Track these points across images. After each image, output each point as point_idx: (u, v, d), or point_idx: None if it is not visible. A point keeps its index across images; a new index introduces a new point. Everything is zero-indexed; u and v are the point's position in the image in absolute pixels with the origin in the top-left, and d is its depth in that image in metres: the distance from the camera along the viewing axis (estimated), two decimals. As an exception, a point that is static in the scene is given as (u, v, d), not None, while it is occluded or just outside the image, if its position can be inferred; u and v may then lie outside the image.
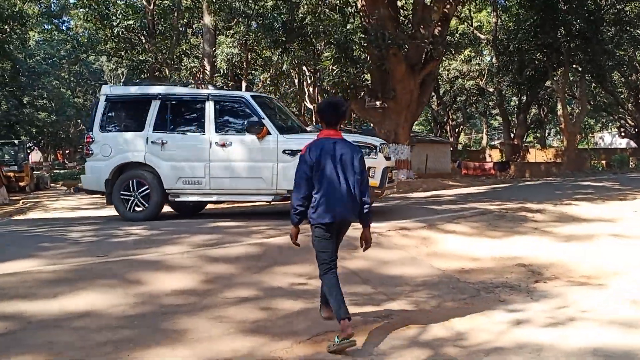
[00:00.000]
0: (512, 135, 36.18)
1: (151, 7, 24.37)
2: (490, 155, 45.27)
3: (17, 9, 24.38)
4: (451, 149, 38.32)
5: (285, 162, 8.56)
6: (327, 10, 18.20)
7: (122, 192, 8.82)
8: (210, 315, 4.31)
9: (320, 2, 17.26)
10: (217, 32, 21.35)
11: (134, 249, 5.98)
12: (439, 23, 17.35)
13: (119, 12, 23.66)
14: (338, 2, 18.08)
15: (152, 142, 8.86)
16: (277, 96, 25.04)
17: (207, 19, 20.90)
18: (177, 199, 9.01)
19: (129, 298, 4.51)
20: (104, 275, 4.93)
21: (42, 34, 42.59)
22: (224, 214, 10.46)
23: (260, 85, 22.32)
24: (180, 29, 26.00)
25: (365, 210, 4.15)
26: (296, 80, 32.44)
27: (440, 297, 5.05)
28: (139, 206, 8.86)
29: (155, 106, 9.06)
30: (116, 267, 5.20)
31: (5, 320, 3.98)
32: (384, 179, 8.63)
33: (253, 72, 24.67)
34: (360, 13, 17.19)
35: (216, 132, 8.86)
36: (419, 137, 28.65)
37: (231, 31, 19.66)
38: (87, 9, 24.34)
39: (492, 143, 54.66)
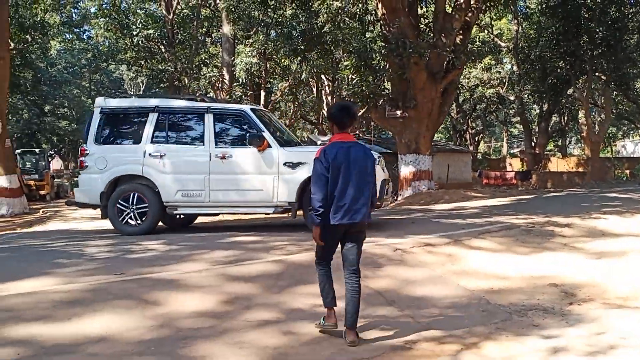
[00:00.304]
0: (533, 144, 35.65)
1: (171, 16, 24.45)
2: (510, 164, 44.65)
3: (38, 19, 24.57)
4: (471, 158, 37.87)
5: (286, 174, 8.71)
6: (346, 19, 18.02)
7: (118, 206, 8.75)
8: (230, 341, 4.13)
9: (339, 11, 17.10)
10: (236, 42, 21.31)
11: (151, 266, 5.83)
12: (461, 31, 17.07)
13: (138, 21, 23.80)
14: (358, 10, 17.90)
15: (149, 154, 8.83)
16: (295, 105, 24.95)
17: (226, 28, 20.89)
18: (175, 212, 8.98)
19: (146, 321, 4.35)
20: (120, 295, 4.78)
21: (63, 43, 43.01)
22: (229, 227, 10.29)
23: (278, 94, 22.21)
24: (200, 38, 26.05)
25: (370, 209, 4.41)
26: (314, 89, 32.36)
27: (470, 321, 4.81)
28: (135, 219, 8.80)
29: (152, 119, 9.03)
30: (133, 286, 5.05)
31: (19, 345, 3.84)
32: (383, 191, 8.83)
33: (271, 80, 24.58)
34: (380, 21, 16.98)
35: (216, 144, 8.90)
36: (439, 146, 28.31)
37: (250, 40, 19.59)
38: (107, 19, 24.49)
39: (512, 151, 54.01)
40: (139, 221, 8.79)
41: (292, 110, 24.35)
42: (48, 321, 4.17)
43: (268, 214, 9.22)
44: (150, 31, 23.45)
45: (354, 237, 4.37)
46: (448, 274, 6.26)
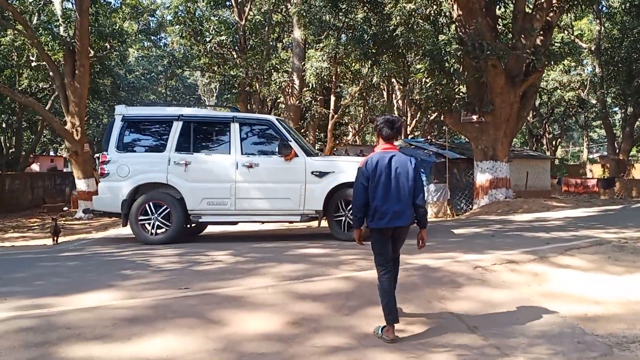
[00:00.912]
0: (616, 150, 33.60)
1: (243, 22, 24.61)
2: (591, 171, 42.39)
3: (117, 27, 25.31)
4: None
5: (314, 183, 8.90)
6: (420, 21, 17.44)
7: (141, 214, 8.73)
8: (297, 370, 3.79)
9: (413, 13, 16.54)
10: (307, 46, 21.15)
11: (217, 280, 5.60)
12: (541, 32, 16.15)
13: (212, 28, 24.07)
14: (431, 12, 17.29)
15: (174, 162, 8.84)
16: (365, 109, 24.53)
17: (297, 33, 20.76)
18: (200, 220, 8.99)
19: (209, 343, 4.08)
20: (183, 313, 4.54)
21: (141, 51, 44.45)
22: (249, 237, 9.99)
23: (348, 99, 21.84)
24: (271, 43, 26.11)
25: (421, 213, 4.63)
26: (385, 93, 31.80)
27: (565, 355, 4.25)
28: (159, 228, 8.80)
29: (177, 127, 9.04)
30: (197, 303, 4.81)
31: (76, 366, 3.65)
32: None
33: (341, 85, 24.25)
34: (456, 23, 16.32)
35: (242, 153, 8.96)
36: (516, 152, 27.02)
37: (321, 45, 19.35)
38: (182, 26, 24.93)
39: (591, 157, 51.32)
40: (162, 229, 8.81)
41: (361, 115, 23.92)
42: (107, 341, 3.97)
43: (290, 222, 9.29)
44: (223, 37, 23.65)
45: (397, 238, 4.72)
46: (535, 296, 5.69)
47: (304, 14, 19.17)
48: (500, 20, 17.42)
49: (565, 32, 32.54)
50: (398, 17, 16.38)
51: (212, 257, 6.96)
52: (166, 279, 5.68)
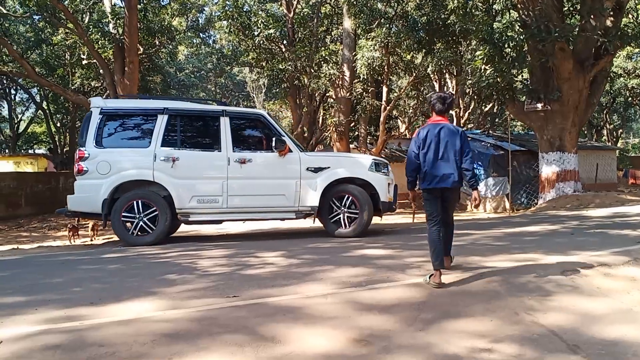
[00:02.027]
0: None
1: (291, 15, 24.10)
2: (656, 163, 40.06)
3: (165, 23, 25.19)
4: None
5: (309, 178, 8.72)
6: (479, 4, 16.42)
7: (124, 214, 8.22)
8: (368, 403, 3.10)
9: (469, -2, 15.61)
10: (357, 37, 20.40)
11: (269, 287, 4.97)
12: (612, 12, 14.92)
13: (260, 21, 23.63)
14: (490, -5, 16.28)
15: (161, 158, 8.36)
16: (418, 101, 23.59)
17: (347, 23, 20.03)
18: (189, 219, 8.48)
19: (260, 365, 3.44)
20: (231, 327, 3.92)
21: (190, 48, 44.63)
22: (235, 236, 9.28)
23: (402, 90, 20.96)
24: (320, 36, 25.46)
25: (468, 177, 5.21)
26: (436, 85, 30.69)
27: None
28: (144, 229, 8.30)
29: (161, 121, 8.53)
30: (247, 315, 4.18)
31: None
32: (396, 195, 9.50)
33: (391, 77, 23.34)
34: (519, 5, 15.24)
35: (233, 149, 8.56)
36: (579, 143, 25.61)
37: (372, 34, 18.57)
38: (230, 20, 24.59)
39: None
40: (147, 230, 8.33)
41: (412, 108, 23.00)
42: (150, 362, 3.38)
43: (285, 219, 8.99)
44: (271, 31, 23.16)
45: (446, 199, 5.27)
46: (638, 306, 4.82)
47: (354, 2, 18.43)
48: (566, 1, 16.22)
49: (630, 15, 30.59)
50: (456, 1, 15.40)
51: (263, 259, 6.36)
52: (213, 284, 5.09)
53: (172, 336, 3.72)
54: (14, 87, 40.07)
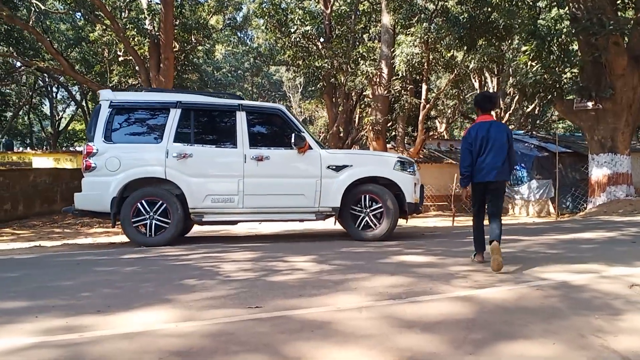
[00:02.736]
0: None
1: (328, 11, 23.64)
2: None
3: (202, 20, 25.05)
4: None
5: (330, 177, 8.28)
6: (527, -2, 15.61)
7: (134, 212, 7.79)
8: None
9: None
10: (396, 33, 19.76)
11: (296, 296, 4.44)
12: (670, 4, 13.94)
13: (296, 18, 23.25)
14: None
15: (173, 155, 7.90)
16: (459, 100, 22.78)
17: (386, 19, 19.41)
18: (202, 220, 8.01)
19: (281, 394, 2.92)
20: (252, 345, 3.39)
21: (227, 47, 44.60)
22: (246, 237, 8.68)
23: (442, 88, 20.22)
24: (357, 34, 24.90)
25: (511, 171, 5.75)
26: (476, 84, 29.75)
27: None
28: (155, 228, 7.87)
29: (174, 115, 8.07)
30: (270, 330, 3.66)
31: None
32: (422, 196, 9.02)
33: (431, 75, 22.58)
34: (568, -1, 14.38)
35: (250, 146, 8.09)
36: (632, 144, 24.31)
37: (411, 29, 17.91)
38: (266, 17, 24.30)
39: None
40: (159, 230, 7.89)
41: (451, 107, 22.16)
42: (146, 387, 2.89)
43: (304, 220, 8.51)
44: (308, 28, 22.76)
45: (493, 192, 5.68)
46: None
47: (394, -4, 17.82)
48: (620, -7, 15.27)
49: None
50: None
51: (291, 264, 5.84)
52: (234, 292, 4.58)
53: (183, 355, 3.22)
54: (55, 86, 40.71)
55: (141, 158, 7.96)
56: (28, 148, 44.96)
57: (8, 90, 36.46)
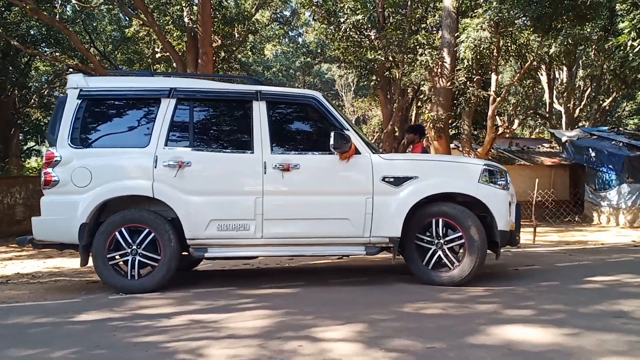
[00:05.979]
0: None
1: (381, -2, 21.67)
2: None
3: (245, 13, 23.62)
4: None
5: (386, 194, 5.85)
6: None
7: (110, 246, 5.68)
8: None
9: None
10: (460, 17, 17.37)
11: None
12: None
13: (346, 7, 21.35)
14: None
15: (164, 163, 5.71)
16: (528, 94, 20.14)
17: (448, 1, 17.01)
18: (205, 255, 5.80)
19: None
20: None
21: (277, 46, 43.39)
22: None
23: (515, 78, 17.64)
24: (413, 21, 22.70)
25: None
26: (546, 77, 26.81)
27: None
28: (139, 267, 5.76)
29: (167, 108, 5.89)
30: None
31: None
32: (519, 221, 6.29)
33: (501, 63, 20.06)
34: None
35: (272, 150, 5.78)
36: None
37: (479, 10, 15.47)
38: (313, 8, 22.63)
39: None
40: (144, 270, 5.81)
41: (516, 102, 19.48)
42: None
43: (350, 255, 6.55)
44: (359, 17, 20.76)
45: None
46: None
47: (457, -27, 15.49)
48: None
49: None
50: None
51: (321, 348, 3.57)
52: None
53: None
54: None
55: (120, 168, 5.80)
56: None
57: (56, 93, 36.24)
